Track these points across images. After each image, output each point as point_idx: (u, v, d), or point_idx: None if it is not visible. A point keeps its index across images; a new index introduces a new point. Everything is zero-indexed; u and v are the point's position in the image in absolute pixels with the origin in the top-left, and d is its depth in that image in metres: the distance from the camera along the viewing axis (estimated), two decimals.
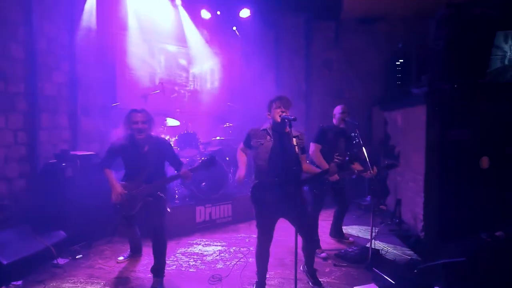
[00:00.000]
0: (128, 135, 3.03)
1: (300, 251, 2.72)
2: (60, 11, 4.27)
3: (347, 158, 3.01)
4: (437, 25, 3.65)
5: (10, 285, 2.68)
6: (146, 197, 3.00)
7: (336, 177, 3.48)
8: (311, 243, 2.93)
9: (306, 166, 2.82)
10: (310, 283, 2.92)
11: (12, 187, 3.59)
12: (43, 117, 3.99)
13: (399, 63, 5.00)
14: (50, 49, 4.12)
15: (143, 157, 3.01)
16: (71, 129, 4.49)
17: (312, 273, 2.94)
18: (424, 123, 3.81)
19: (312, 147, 3.65)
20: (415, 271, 2.84)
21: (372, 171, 3.42)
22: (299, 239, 2.60)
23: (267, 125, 2.78)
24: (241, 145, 2.89)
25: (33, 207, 3.69)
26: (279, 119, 2.63)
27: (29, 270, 2.99)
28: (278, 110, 2.64)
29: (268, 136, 2.70)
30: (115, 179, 3.03)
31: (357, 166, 3.60)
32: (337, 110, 3.80)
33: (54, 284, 2.91)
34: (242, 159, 2.87)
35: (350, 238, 4.06)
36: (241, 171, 2.80)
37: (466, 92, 3.66)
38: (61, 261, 3.26)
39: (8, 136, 3.56)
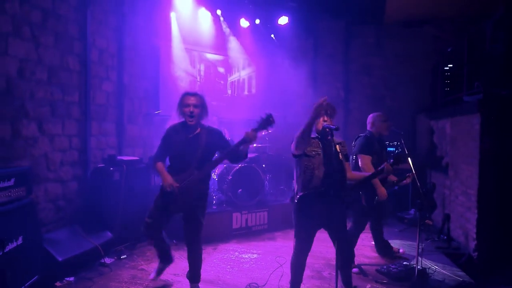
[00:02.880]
0: (180, 122, 2.87)
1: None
2: (110, 24, 4.58)
3: (391, 160, 2.80)
4: (494, 27, 3.38)
5: (64, 280, 2.88)
6: (196, 185, 2.78)
7: (385, 194, 3.26)
8: (348, 258, 2.76)
9: (351, 174, 2.73)
10: None
11: (66, 189, 3.87)
12: (93, 124, 4.28)
13: (447, 68, 4.67)
14: (101, 60, 4.42)
15: (193, 142, 2.78)
16: (117, 136, 4.76)
17: None
18: (478, 133, 3.52)
19: (363, 159, 3.33)
20: None
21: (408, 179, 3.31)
22: (335, 252, 2.48)
23: (313, 133, 2.64)
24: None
25: (83, 208, 3.95)
26: (320, 127, 2.57)
27: (79, 268, 3.19)
28: (321, 119, 2.57)
29: (320, 145, 2.60)
30: (166, 171, 2.82)
31: (392, 177, 3.32)
32: (378, 117, 3.57)
33: (102, 282, 3.08)
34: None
35: (401, 250, 3.87)
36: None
37: None
38: (107, 260, 3.43)
39: (64, 142, 3.86)
